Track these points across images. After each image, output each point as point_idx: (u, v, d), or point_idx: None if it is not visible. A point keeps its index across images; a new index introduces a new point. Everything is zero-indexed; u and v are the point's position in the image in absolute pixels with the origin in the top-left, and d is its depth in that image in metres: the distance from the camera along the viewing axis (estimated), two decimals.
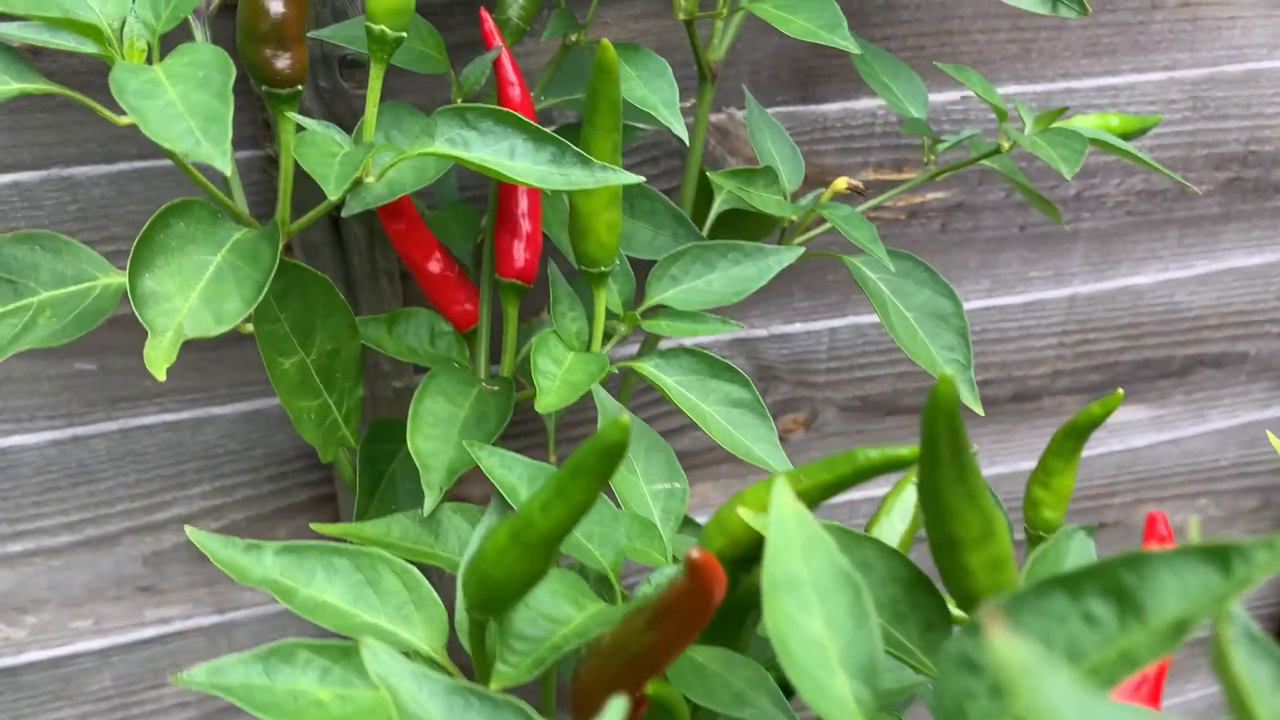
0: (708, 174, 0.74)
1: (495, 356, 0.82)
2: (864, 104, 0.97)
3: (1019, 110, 0.80)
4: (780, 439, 1.07)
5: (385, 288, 0.89)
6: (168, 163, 0.85)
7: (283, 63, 0.60)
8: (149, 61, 0.54)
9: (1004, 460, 1.14)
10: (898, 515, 0.74)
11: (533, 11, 0.76)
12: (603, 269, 0.70)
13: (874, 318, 1.04)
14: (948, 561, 0.52)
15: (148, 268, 0.54)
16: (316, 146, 0.57)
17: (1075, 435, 0.74)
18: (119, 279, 0.65)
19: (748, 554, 0.56)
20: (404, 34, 0.61)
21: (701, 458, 1.06)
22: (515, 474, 0.62)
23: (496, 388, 0.73)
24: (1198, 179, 1.07)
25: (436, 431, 0.70)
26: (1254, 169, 1.08)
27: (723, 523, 0.56)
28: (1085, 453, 1.16)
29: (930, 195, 1.01)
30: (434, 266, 0.78)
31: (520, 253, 0.75)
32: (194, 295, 0.54)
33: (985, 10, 0.96)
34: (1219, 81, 1.03)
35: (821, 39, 0.71)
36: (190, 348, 0.91)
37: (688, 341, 0.84)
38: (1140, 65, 1.01)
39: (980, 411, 0.77)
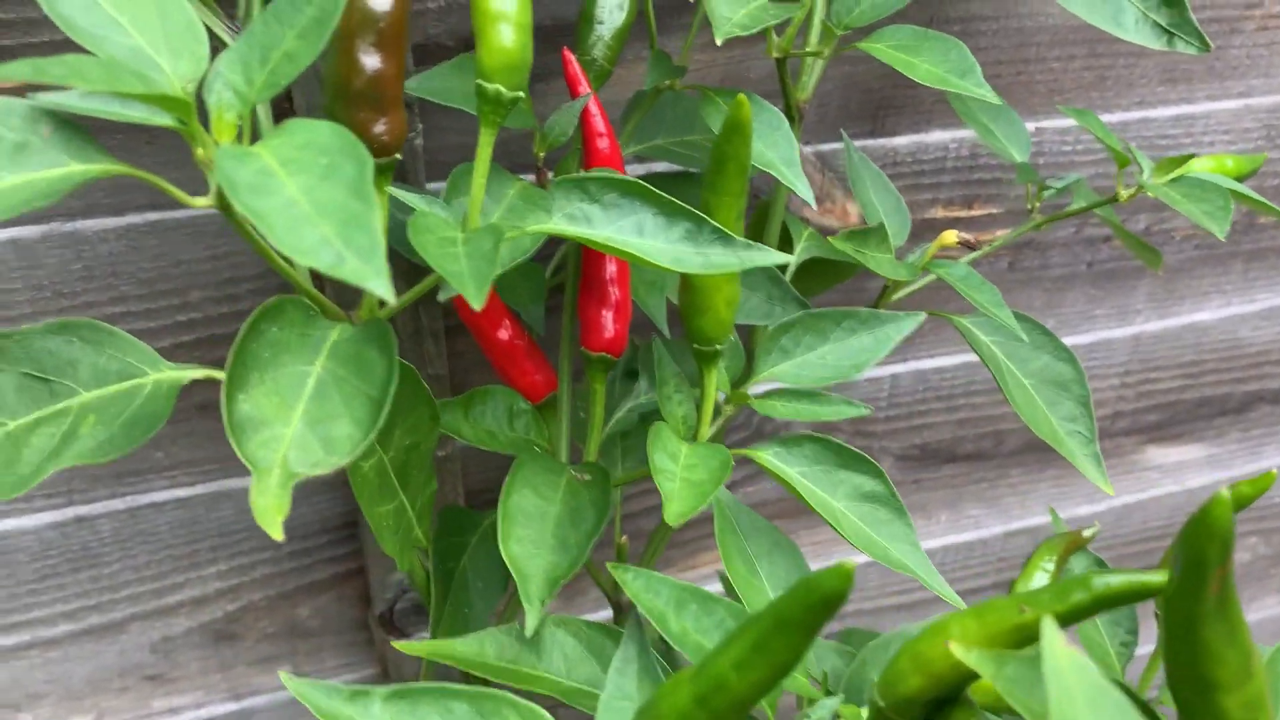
0: (833, 240, 0.66)
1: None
2: (935, 137, 0.90)
3: (1134, 155, 0.74)
4: None
5: (430, 349, 0.80)
6: (182, 214, 0.75)
7: (380, 127, 0.51)
8: (239, 139, 0.45)
9: (1062, 505, 1.08)
10: None
11: (618, 50, 0.68)
12: (718, 347, 0.62)
13: (937, 362, 0.98)
14: (1197, 700, 0.46)
15: (242, 387, 0.45)
16: (431, 232, 0.48)
17: None
18: (172, 375, 0.56)
19: (949, 695, 0.48)
20: (521, 94, 0.52)
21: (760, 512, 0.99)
22: (663, 599, 0.54)
23: (588, 476, 0.65)
24: None
25: (529, 533, 0.62)
26: None
27: (920, 658, 0.49)
28: (1140, 495, 1.11)
29: (999, 232, 0.95)
30: (503, 334, 0.69)
31: (610, 323, 0.67)
32: (296, 418, 0.45)
33: (1063, 37, 0.89)
34: None
35: (951, 85, 0.64)
36: (206, 413, 0.81)
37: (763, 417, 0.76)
38: (1215, 93, 0.95)
39: (1111, 492, 0.71)
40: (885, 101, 0.88)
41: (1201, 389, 1.07)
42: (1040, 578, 0.69)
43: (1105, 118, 0.93)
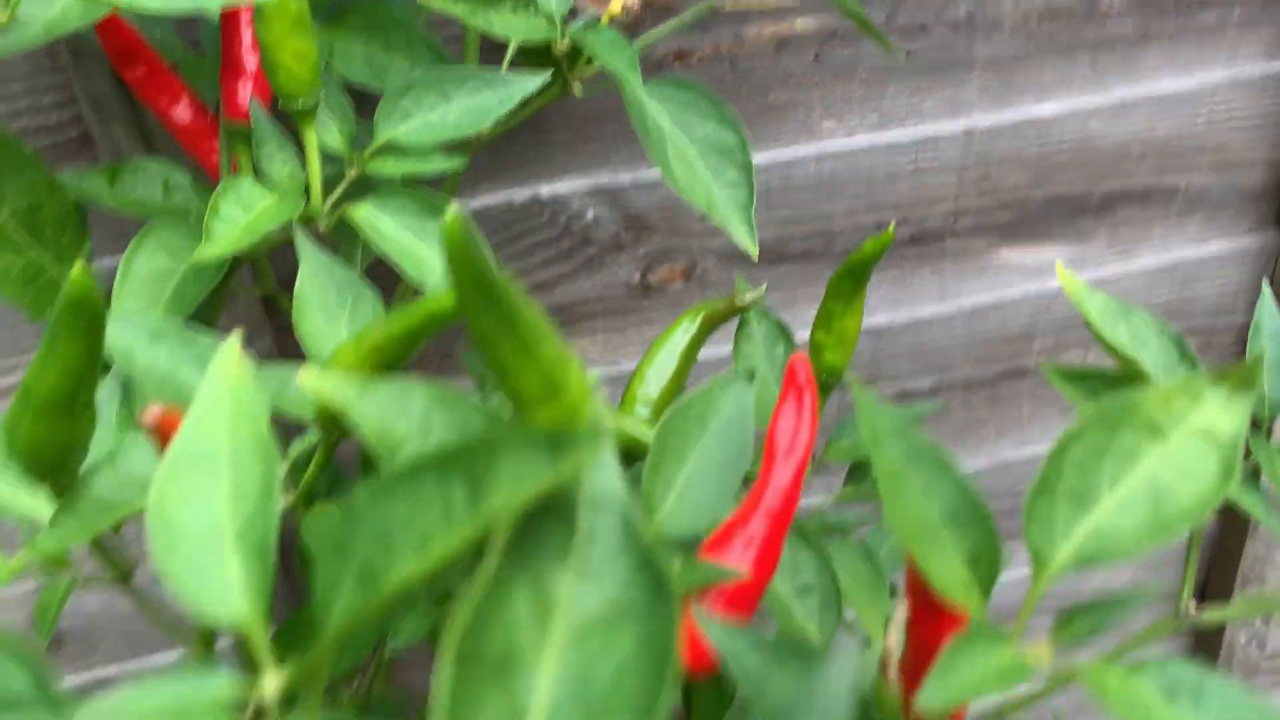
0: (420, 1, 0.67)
1: None
2: None
3: None
4: (658, 291, 1.01)
5: None
6: None
7: None
8: None
9: (907, 305, 1.06)
10: (652, 381, 0.69)
11: None
12: (302, 103, 0.63)
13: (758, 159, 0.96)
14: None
15: None
16: None
17: (852, 276, 0.68)
18: None
19: None
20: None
21: (573, 312, 1.01)
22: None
23: None
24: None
25: (138, 303, 0.65)
26: None
27: None
28: (995, 296, 1.07)
29: (799, 23, 0.92)
30: (183, 113, 0.73)
31: (245, 94, 0.69)
32: None
33: None
34: None
35: None
36: None
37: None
38: None
39: (755, 255, 0.70)
40: None
41: (1054, 187, 1.02)
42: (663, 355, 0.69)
43: None
